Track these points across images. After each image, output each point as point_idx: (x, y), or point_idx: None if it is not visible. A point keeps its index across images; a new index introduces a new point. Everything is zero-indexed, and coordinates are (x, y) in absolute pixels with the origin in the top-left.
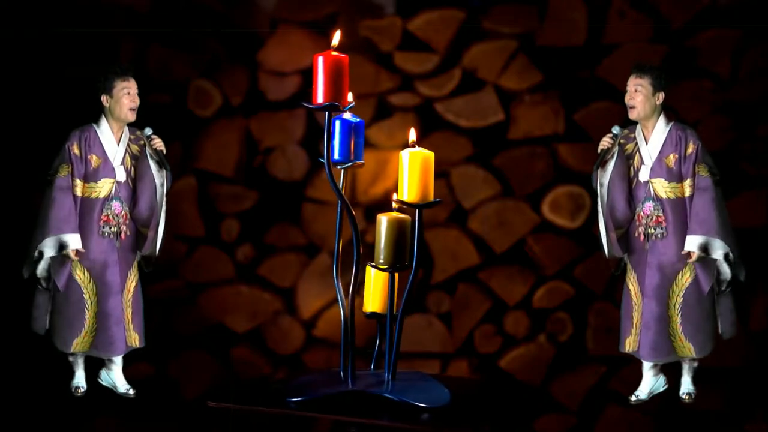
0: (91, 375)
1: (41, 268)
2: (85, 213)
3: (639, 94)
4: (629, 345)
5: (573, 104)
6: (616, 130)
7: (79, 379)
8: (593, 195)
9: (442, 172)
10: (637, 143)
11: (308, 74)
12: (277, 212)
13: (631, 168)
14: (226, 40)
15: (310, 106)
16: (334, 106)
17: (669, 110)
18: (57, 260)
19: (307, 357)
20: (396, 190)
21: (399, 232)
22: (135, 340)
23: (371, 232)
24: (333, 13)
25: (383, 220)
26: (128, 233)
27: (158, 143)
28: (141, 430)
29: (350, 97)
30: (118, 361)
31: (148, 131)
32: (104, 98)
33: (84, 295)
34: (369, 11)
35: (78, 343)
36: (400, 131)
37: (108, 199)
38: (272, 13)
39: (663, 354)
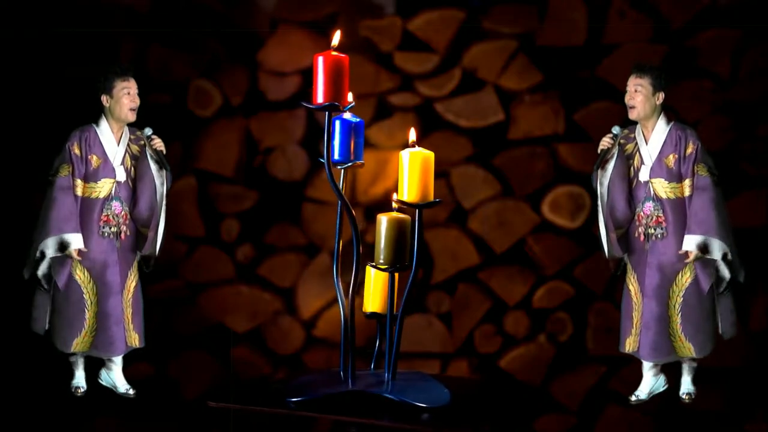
0: (91, 375)
1: (42, 269)
2: (85, 213)
3: (639, 94)
4: (629, 345)
5: (573, 104)
6: (616, 130)
7: (79, 379)
8: (593, 195)
9: (442, 172)
10: (637, 143)
11: (308, 74)
12: (277, 212)
13: (631, 168)
14: (226, 40)
15: (310, 106)
16: (333, 106)
17: (669, 110)
18: (57, 260)
19: (307, 357)
20: (396, 190)
21: (399, 232)
22: (135, 340)
23: (371, 232)
24: (333, 13)
25: (383, 220)
26: (128, 233)
27: (158, 143)
28: (141, 430)
29: (350, 97)
30: (118, 361)
31: (148, 131)
32: (104, 98)
33: (84, 295)
34: (369, 11)
35: (78, 343)
36: (400, 131)
37: (108, 199)
38: (272, 13)
39: (663, 354)
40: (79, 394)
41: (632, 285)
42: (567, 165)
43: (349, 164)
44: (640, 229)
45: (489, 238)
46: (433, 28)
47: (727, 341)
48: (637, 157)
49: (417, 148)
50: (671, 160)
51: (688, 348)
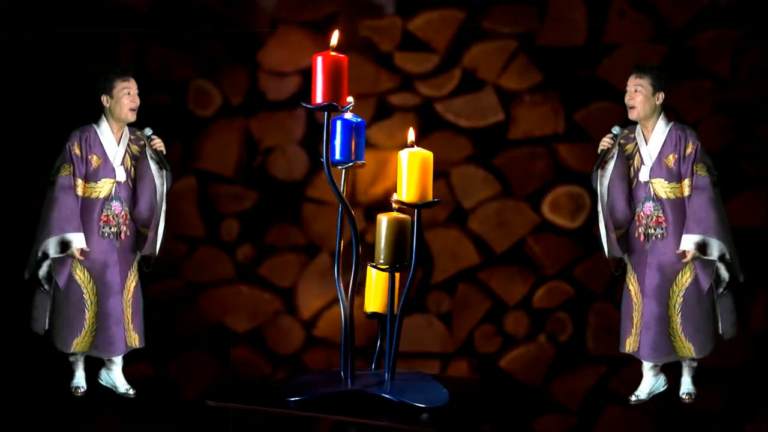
0: (91, 375)
1: (43, 269)
2: (85, 213)
3: (639, 95)
4: (629, 345)
5: (573, 104)
6: (616, 130)
7: (79, 379)
8: (593, 195)
9: (442, 172)
10: (637, 143)
11: (308, 74)
12: (277, 212)
13: (631, 168)
14: (226, 40)
15: (309, 106)
16: (332, 107)
17: (669, 110)
18: (58, 260)
19: (307, 357)
20: (396, 190)
21: (399, 232)
22: (135, 340)
23: (371, 232)
24: (333, 13)
25: (383, 220)
26: (128, 233)
27: (158, 143)
28: (141, 430)
29: (350, 98)
30: (118, 361)
31: (148, 131)
32: (104, 98)
33: (84, 295)
34: (369, 11)
35: (78, 343)
36: (400, 131)
37: (108, 199)
38: (272, 13)
39: (663, 354)
40: (79, 394)
41: (632, 285)
42: (567, 165)
43: (350, 164)
44: (640, 230)
45: (489, 238)
46: (433, 28)
47: (727, 341)
48: (637, 157)
49: (416, 148)
50: (671, 160)
51: (688, 348)
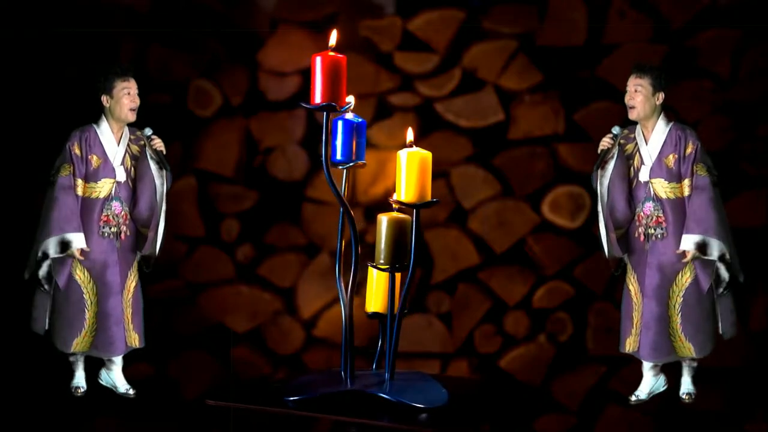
0: (91, 375)
1: (43, 270)
2: (85, 213)
3: (639, 95)
4: (629, 345)
5: (573, 104)
6: (616, 130)
7: (79, 379)
8: (593, 195)
9: (442, 172)
10: (637, 143)
11: (308, 74)
12: (277, 212)
13: (631, 168)
14: (226, 40)
15: (308, 106)
16: (331, 107)
17: (669, 110)
18: (58, 260)
19: (307, 357)
20: (395, 190)
21: (399, 232)
22: (135, 340)
23: (371, 232)
24: (333, 13)
25: (383, 220)
26: (128, 233)
27: (158, 143)
28: (141, 430)
29: (351, 98)
30: (118, 361)
31: (148, 131)
32: (104, 98)
33: (84, 295)
34: (369, 11)
35: (78, 343)
36: (400, 131)
37: (108, 199)
38: (272, 13)
39: (663, 354)
40: (79, 394)
41: (632, 285)
42: (567, 165)
43: (351, 164)
44: (640, 230)
45: (489, 238)
46: (433, 28)
47: (727, 341)
48: (637, 157)
49: (414, 148)
50: (671, 160)
51: (688, 348)
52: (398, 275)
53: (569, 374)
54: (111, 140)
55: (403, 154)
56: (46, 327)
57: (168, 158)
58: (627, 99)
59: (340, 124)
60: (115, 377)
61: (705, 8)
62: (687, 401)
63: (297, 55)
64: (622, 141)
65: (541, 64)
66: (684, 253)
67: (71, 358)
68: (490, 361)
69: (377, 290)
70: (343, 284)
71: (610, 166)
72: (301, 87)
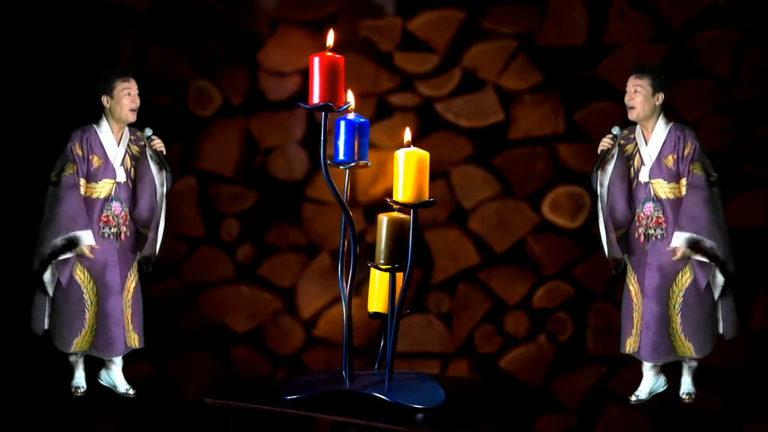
0: (91, 375)
1: (48, 272)
2: None
3: (638, 95)
4: (630, 346)
5: (573, 104)
6: (615, 130)
7: (79, 379)
8: (593, 195)
9: (442, 172)
10: (636, 144)
11: (308, 74)
12: (277, 212)
13: (632, 169)
14: (226, 40)
15: (306, 107)
16: (328, 107)
17: (669, 110)
18: (61, 259)
19: (307, 357)
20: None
21: (399, 232)
22: (134, 340)
23: (371, 232)
24: (333, 13)
25: (383, 220)
26: (128, 234)
27: (158, 144)
28: (141, 430)
29: (352, 98)
30: (118, 361)
31: (149, 132)
32: (105, 99)
33: (84, 295)
34: (369, 11)
35: (78, 343)
36: (400, 131)
37: (108, 199)
38: (272, 13)
39: (663, 354)
40: (79, 394)
41: (632, 286)
42: (567, 165)
43: (353, 164)
44: (640, 230)
45: (489, 238)
46: (433, 28)
47: (727, 341)
48: (637, 157)
49: (412, 148)
50: (670, 160)
51: (688, 348)
52: (399, 275)
53: (569, 374)
54: (111, 141)
55: (400, 154)
56: (45, 327)
57: (168, 158)
58: (627, 99)
59: (342, 124)
60: (115, 377)
61: (705, 8)
62: (687, 401)
63: (297, 55)
64: (622, 141)
65: (541, 64)
66: (674, 251)
67: (71, 358)
68: (490, 361)
69: (379, 290)
70: (345, 284)
71: (610, 166)
72: (301, 87)
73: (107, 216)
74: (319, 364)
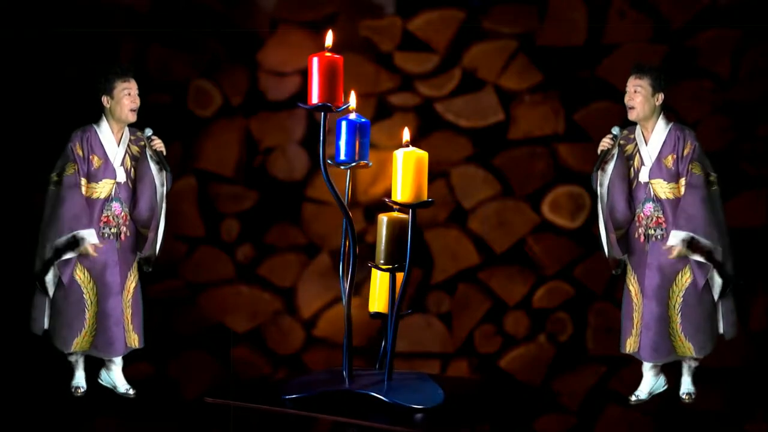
0: (91, 375)
1: (50, 274)
2: None
3: (638, 95)
4: (630, 346)
5: (573, 104)
6: (615, 130)
7: (79, 379)
8: (593, 195)
9: (442, 172)
10: (636, 144)
11: (307, 74)
12: (277, 212)
13: (632, 169)
14: (226, 40)
15: (305, 107)
16: (326, 107)
17: (669, 110)
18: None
19: (307, 357)
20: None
21: (399, 232)
22: (134, 340)
23: (371, 232)
24: (333, 13)
25: (384, 220)
26: (128, 234)
27: (158, 144)
28: (141, 430)
29: (353, 97)
30: (118, 361)
31: (149, 132)
32: (105, 99)
33: (84, 295)
34: (369, 11)
35: (78, 343)
36: (400, 131)
37: (108, 200)
38: (272, 13)
39: (663, 354)
40: (79, 394)
41: (632, 286)
42: (567, 165)
43: (354, 164)
44: (640, 230)
45: (489, 238)
46: (433, 28)
47: (727, 341)
48: (637, 157)
49: (410, 148)
50: (670, 160)
51: (688, 347)
52: (399, 275)
53: (569, 374)
54: (111, 141)
55: (399, 154)
56: (45, 328)
57: (168, 158)
58: (626, 100)
59: (343, 124)
60: (115, 377)
61: (705, 8)
62: (687, 401)
63: (297, 55)
64: (622, 142)
65: (541, 64)
66: (670, 249)
67: (71, 358)
68: (490, 361)
69: (380, 290)
70: (345, 284)
71: (610, 166)
72: (301, 87)
73: (107, 216)
74: (319, 364)
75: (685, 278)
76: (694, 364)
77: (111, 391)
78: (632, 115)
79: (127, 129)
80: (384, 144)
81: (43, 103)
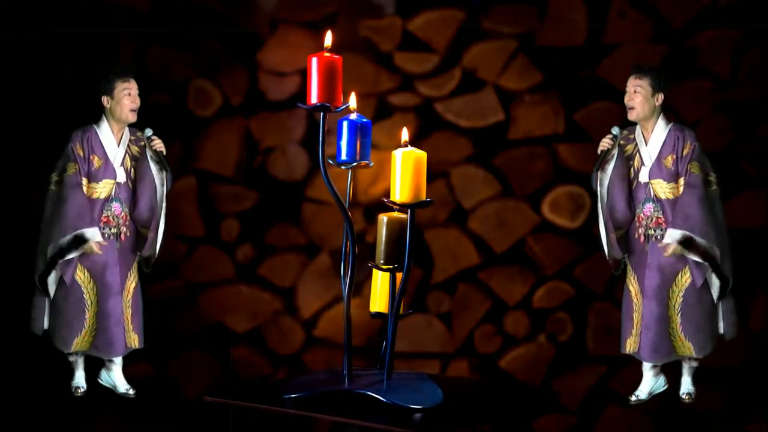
0: (91, 375)
1: (53, 275)
2: None
3: (638, 95)
4: (630, 346)
5: (573, 104)
6: (615, 131)
7: (79, 379)
8: (593, 195)
9: (442, 172)
10: (636, 144)
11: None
12: (277, 212)
13: (632, 169)
14: (226, 40)
15: (304, 107)
16: (325, 107)
17: (669, 110)
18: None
19: (307, 357)
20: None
21: (399, 232)
22: (134, 341)
23: (371, 232)
24: (333, 13)
25: (384, 220)
26: (128, 234)
27: (158, 144)
28: (141, 430)
29: (353, 98)
30: (118, 362)
31: (149, 132)
32: (105, 99)
33: (84, 295)
34: (369, 11)
35: (78, 343)
36: (400, 131)
37: (108, 200)
38: (272, 13)
39: (663, 354)
40: (79, 394)
41: (632, 286)
42: (567, 165)
43: (355, 164)
44: (640, 230)
45: (489, 238)
46: (433, 28)
47: (727, 341)
48: (637, 158)
49: (409, 148)
50: (669, 160)
51: (688, 348)
52: (399, 275)
53: (569, 374)
54: (111, 141)
55: (398, 154)
56: (45, 328)
57: (168, 158)
58: (626, 100)
59: (344, 124)
60: (115, 377)
61: (705, 8)
62: (687, 401)
63: (297, 55)
64: (622, 142)
65: (541, 64)
66: (666, 247)
67: (71, 358)
68: (490, 361)
69: (381, 290)
70: (346, 284)
71: (610, 166)
72: (301, 87)
73: (107, 216)
74: (319, 364)
75: (684, 278)
76: (694, 364)
77: (111, 391)
78: (632, 116)
79: (127, 129)
80: (384, 144)
81: (43, 103)
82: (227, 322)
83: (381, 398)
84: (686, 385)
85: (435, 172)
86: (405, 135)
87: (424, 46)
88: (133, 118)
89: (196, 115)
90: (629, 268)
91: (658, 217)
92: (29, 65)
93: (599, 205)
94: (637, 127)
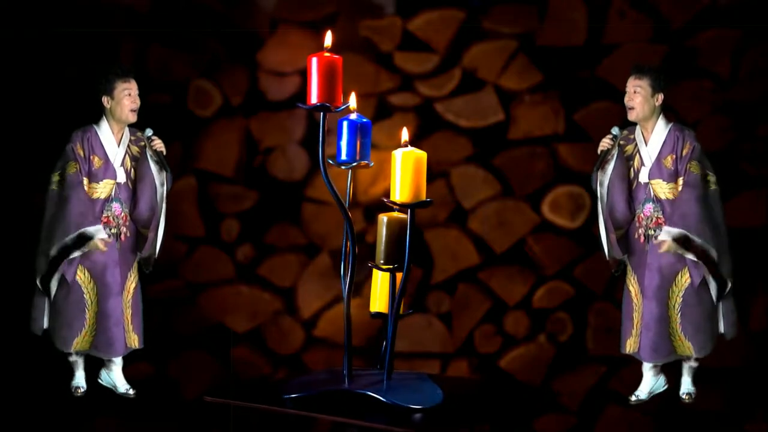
0: (91, 375)
1: (55, 276)
2: None
3: (638, 96)
4: (630, 346)
5: (573, 104)
6: (615, 131)
7: (79, 379)
8: (593, 195)
9: (442, 172)
10: (636, 144)
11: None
12: (277, 212)
13: (631, 169)
14: (226, 40)
15: (304, 107)
16: (325, 107)
17: (669, 111)
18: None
19: (307, 357)
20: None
21: (400, 232)
22: (134, 341)
23: (371, 232)
24: (333, 13)
25: (384, 220)
26: (128, 234)
27: (158, 144)
28: (141, 430)
29: (353, 98)
30: (118, 362)
31: (149, 132)
32: (105, 99)
33: (84, 296)
34: (369, 11)
35: (78, 343)
36: (400, 131)
37: (108, 200)
38: (272, 13)
39: (663, 355)
40: (79, 394)
41: (632, 286)
42: (567, 165)
43: (355, 164)
44: (640, 231)
45: (489, 238)
46: (433, 28)
47: (727, 341)
48: (637, 158)
49: (409, 148)
50: (669, 161)
51: (688, 348)
52: (399, 275)
53: (569, 374)
54: (111, 141)
55: (397, 154)
56: (44, 328)
57: (168, 158)
58: (626, 100)
59: (345, 124)
60: (115, 377)
61: (705, 8)
62: (687, 401)
63: (297, 55)
64: (621, 142)
65: (541, 64)
66: (661, 244)
67: (71, 358)
68: (490, 361)
69: (381, 290)
70: (347, 284)
71: (610, 167)
72: (301, 87)
73: (107, 217)
74: (319, 364)
75: (684, 278)
76: (694, 364)
77: (111, 391)
78: (632, 116)
79: (127, 129)
80: (384, 144)
81: (43, 103)
82: (227, 322)
83: (381, 398)
84: (686, 385)
85: (435, 172)
86: (405, 135)
87: (424, 46)
88: (133, 118)
89: (196, 115)
90: (629, 268)
91: (658, 218)
92: (29, 65)
93: (599, 205)
94: (637, 128)
